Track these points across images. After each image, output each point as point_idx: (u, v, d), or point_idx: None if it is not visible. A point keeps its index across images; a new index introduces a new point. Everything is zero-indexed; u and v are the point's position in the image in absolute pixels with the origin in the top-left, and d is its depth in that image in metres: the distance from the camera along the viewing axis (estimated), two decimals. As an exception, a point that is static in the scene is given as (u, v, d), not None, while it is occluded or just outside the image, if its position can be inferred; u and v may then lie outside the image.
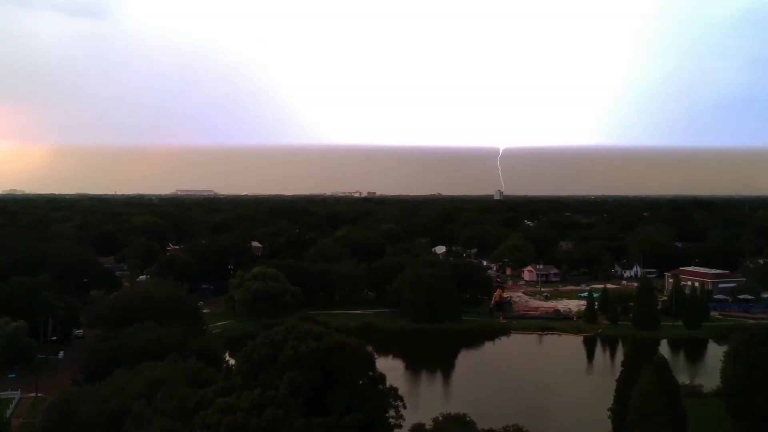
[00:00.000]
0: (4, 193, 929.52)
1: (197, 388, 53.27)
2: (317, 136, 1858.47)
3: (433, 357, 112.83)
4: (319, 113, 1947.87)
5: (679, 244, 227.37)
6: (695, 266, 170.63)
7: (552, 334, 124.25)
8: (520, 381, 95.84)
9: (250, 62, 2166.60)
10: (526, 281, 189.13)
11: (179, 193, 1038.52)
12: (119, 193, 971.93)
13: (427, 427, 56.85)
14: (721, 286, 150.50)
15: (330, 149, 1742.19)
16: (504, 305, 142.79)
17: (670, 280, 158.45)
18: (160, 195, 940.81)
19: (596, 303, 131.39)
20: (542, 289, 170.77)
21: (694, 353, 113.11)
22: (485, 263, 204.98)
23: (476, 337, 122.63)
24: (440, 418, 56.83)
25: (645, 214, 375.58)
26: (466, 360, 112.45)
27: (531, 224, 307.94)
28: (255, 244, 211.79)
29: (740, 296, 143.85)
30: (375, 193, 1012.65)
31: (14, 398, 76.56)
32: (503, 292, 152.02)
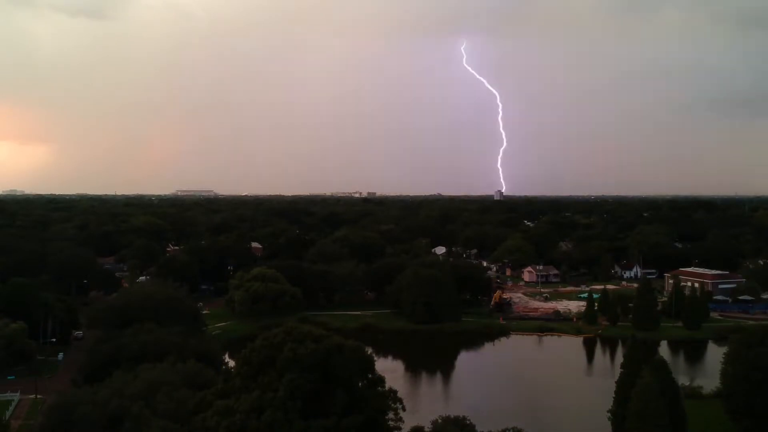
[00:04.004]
0: (4, 193, 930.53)
1: (196, 390, 53.34)
2: (318, 132, 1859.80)
3: (432, 358, 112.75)
4: (322, 112, 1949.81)
5: (679, 245, 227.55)
6: (695, 267, 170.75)
7: (552, 335, 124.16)
8: (519, 382, 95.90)
9: (251, 60, 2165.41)
10: (525, 282, 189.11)
11: (179, 193, 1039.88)
12: (119, 193, 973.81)
13: (426, 429, 56.74)
14: (720, 286, 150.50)
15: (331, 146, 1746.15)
16: (504, 306, 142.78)
17: (670, 281, 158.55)
18: (160, 195, 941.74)
19: (596, 304, 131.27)
20: (542, 290, 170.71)
21: (694, 354, 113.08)
22: (485, 264, 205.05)
23: (476, 338, 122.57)
24: (439, 421, 56.73)
25: (645, 214, 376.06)
26: (465, 361, 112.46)
27: (531, 224, 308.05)
28: (255, 244, 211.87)
29: (740, 297, 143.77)
30: (375, 193, 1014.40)
31: (14, 400, 76.49)
32: (503, 292, 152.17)
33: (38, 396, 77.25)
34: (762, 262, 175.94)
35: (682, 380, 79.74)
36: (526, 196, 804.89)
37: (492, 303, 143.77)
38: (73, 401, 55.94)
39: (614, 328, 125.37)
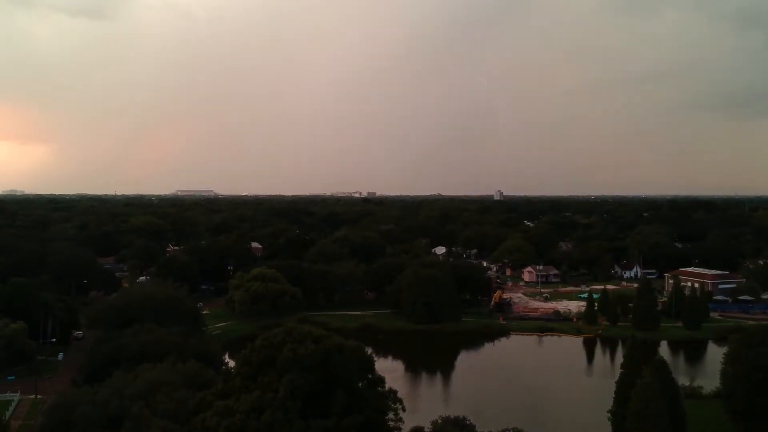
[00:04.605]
0: (4, 193, 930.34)
1: (196, 390, 53.34)
2: (319, 132, 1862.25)
3: (432, 358, 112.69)
4: (323, 112, 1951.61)
5: (679, 245, 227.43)
6: (695, 267, 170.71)
7: (552, 335, 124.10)
8: (519, 382, 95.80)
9: (250, 60, 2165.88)
10: (525, 282, 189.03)
11: (179, 193, 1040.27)
12: (119, 193, 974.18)
13: (426, 430, 56.79)
14: (720, 286, 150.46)
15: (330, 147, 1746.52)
16: (504, 306, 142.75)
17: (670, 281, 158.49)
18: (160, 195, 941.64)
19: (596, 304, 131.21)
20: (542, 290, 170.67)
21: (694, 354, 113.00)
22: (485, 264, 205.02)
23: (476, 339, 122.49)
24: (439, 421, 56.75)
25: (645, 214, 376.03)
26: (465, 361, 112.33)
27: (531, 224, 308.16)
28: (255, 244, 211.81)
29: (740, 297, 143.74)
30: (375, 193, 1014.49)
31: (14, 400, 76.48)
32: (503, 292, 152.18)
33: (38, 396, 77.25)
34: (762, 262, 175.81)
35: (682, 380, 79.74)
36: (526, 196, 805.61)
37: (492, 303, 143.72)
38: (73, 401, 55.96)
39: (614, 328, 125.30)
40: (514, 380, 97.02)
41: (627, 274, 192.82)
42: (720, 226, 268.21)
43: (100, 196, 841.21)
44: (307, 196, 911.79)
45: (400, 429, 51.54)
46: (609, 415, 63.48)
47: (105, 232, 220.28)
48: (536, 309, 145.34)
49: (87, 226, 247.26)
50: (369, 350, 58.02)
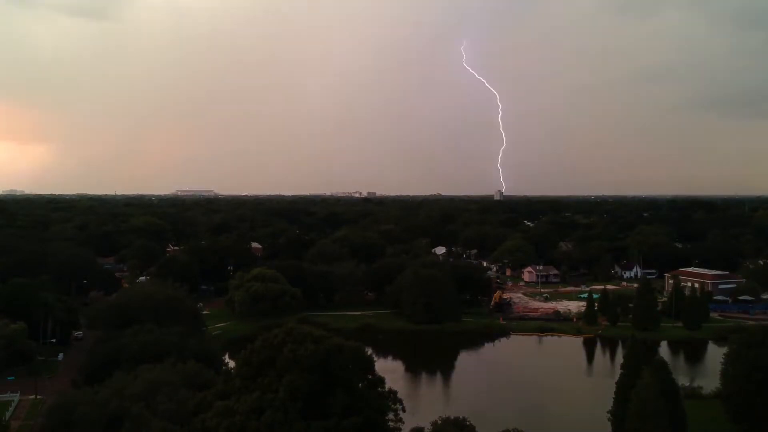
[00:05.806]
0: (4, 193, 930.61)
1: (196, 391, 53.38)
2: (319, 132, 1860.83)
3: (432, 358, 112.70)
4: (323, 112, 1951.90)
5: (679, 245, 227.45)
6: (695, 267, 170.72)
7: (552, 335, 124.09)
8: (519, 383, 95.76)
9: (251, 60, 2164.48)
10: (525, 282, 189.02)
11: (179, 193, 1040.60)
12: (119, 193, 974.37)
13: (426, 430, 56.75)
14: (720, 287, 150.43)
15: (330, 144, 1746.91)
16: (504, 306, 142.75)
17: (670, 281, 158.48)
18: (160, 195, 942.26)
19: (596, 304, 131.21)
20: (542, 290, 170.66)
21: (694, 354, 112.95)
22: (485, 264, 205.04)
23: (476, 339, 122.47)
24: (439, 422, 56.67)
25: (645, 214, 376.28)
26: (465, 361, 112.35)
27: (531, 224, 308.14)
28: (255, 244, 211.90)
29: (740, 297, 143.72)
30: (375, 193, 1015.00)
31: (14, 400, 76.42)
32: (503, 293, 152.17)
33: (38, 396, 77.23)
34: (762, 262, 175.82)
35: (682, 380, 79.68)
36: (526, 196, 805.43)
37: (492, 303, 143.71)
38: (73, 401, 56.00)
39: (614, 328, 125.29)
40: (514, 380, 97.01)
41: (627, 274, 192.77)
42: (720, 226, 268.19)
43: (100, 196, 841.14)
44: (307, 196, 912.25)
45: (400, 429, 51.50)
46: (609, 415, 63.49)
47: (105, 232, 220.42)
48: (536, 309, 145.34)
49: (87, 226, 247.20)
50: (369, 350, 58.02)
